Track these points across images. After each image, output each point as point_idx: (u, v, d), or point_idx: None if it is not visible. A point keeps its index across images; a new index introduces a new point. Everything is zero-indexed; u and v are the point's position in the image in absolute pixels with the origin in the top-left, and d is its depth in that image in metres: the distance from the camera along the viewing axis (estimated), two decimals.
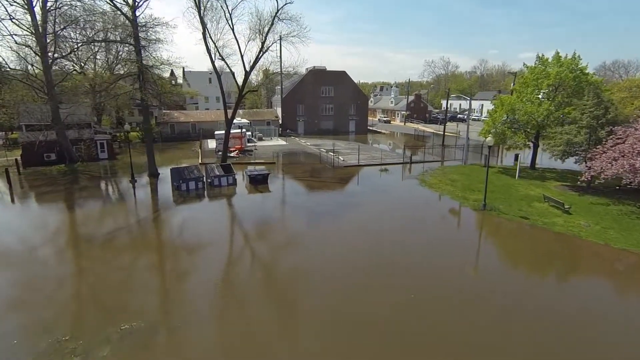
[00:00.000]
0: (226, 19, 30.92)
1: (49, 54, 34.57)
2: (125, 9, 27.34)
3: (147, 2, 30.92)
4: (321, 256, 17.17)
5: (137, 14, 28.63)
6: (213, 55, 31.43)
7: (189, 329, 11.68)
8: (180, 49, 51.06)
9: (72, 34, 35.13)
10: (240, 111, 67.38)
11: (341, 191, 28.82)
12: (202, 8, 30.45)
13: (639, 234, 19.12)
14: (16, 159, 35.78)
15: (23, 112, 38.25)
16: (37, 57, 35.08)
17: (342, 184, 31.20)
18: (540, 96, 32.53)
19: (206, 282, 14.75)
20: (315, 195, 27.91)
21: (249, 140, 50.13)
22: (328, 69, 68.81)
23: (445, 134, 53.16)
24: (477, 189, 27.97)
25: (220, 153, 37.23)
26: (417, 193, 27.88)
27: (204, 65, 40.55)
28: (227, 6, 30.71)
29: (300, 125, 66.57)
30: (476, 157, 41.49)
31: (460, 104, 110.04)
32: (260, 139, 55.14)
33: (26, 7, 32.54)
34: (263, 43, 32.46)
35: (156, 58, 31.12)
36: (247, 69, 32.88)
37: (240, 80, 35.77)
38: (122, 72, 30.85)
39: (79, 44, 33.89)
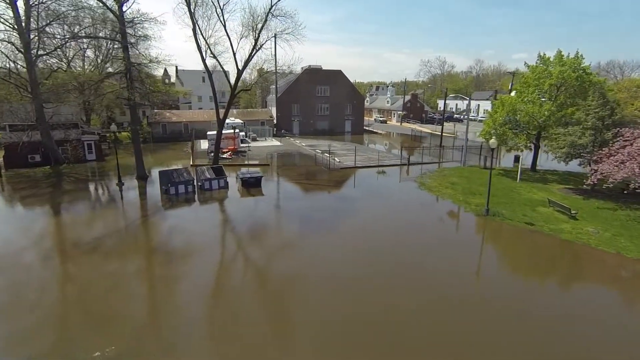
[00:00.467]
0: (217, 15, 29.70)
1: (33, 51, 33.10)
2: (111, 2, 25.98)
3: None
4: (316, 269, 16.03)
5: (124, 9, 27.31)
6: (204, 53, 30.18)
7: (179, 350, 10.51)
8: (172, 47, 50.07)
9: (59, 31, 33.61)
10: (234, 111, 66.09)
11: (337, 195, 27.70)
12: (193, 4, 29.18)
13: None
14: None
15: (6, 111, 36.74)
16: (21, 54, 33.55)
17: (338, 187, 30.09)
18: (542, 97, 31.60)
19: (193, 296, 13.56)
20: (310, 199, 26.76)
21: (242, 141, 48.85)
22: (324, 68, 67.71)
23: (443, 134, 52.26)
24: (478, 193, 27.01)
25: (212, 154, 35.98)
26: (417, 197, 26.83)
27: (198, 64, 39.76)
28: (218, 2, 29.31)
29: (295, 126, 65.38)
30: (474, 158, 40.58)
31: (456, 104, 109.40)
32: (254, 140, 53.89)
33: (8, 1, 31.06)
34: (256, 40, 31.23)
35: (144, 55, 29.77)
36: (240, 67, 31.66)
37: (232, 79, 34.54)
38: (111, 70, 29.40)
39: (65, 41, 32.35)
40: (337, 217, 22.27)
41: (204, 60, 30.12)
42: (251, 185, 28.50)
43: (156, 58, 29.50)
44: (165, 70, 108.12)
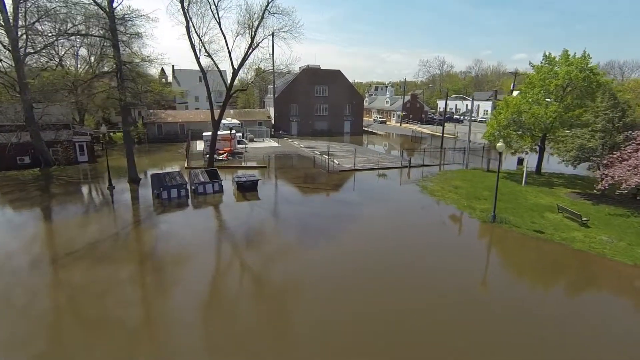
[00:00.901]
0: (212, 12, 28.57)
1: (21, 49, 31.90)
2: None
3: None
4: (314, 282, 14.96)
5: (114, 5, 26.17)
6: (198, 52, 29.06)
7: None
8: (168, 46, 48.77)
9: (49, 28, 32.39)
10: (231, 111, 64.96)
11: (337, 200, 26.60)
12: (187, 0, 28.03)
13: None
14: None
15: None
16: (8, 52, 32.35)
17: (338, 191, 29.01)
18: (548, 98, 30.58)
19: (183, 312, 12.48)
20: (308, 204, 25.63)
21: (239, 142, 47.75)
22: (322, 68, 66.62)
23: (444, 135, 51.22)
24: (483, 197, 26.02)
25: (208, 156, 34.85)
26: (419, 202, 25.78)
27: (195, 63, 38.30)
28: None
29: (293, 126, 64.28)
30: (477, 160, 39.56)
31: (456, 105, 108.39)
32: (251, 141, 52.80)
33: None
34: (252, 38, 30.12)
35: (136, 54, 28.63)
36: (236, 66, 30.55)
37: (229, 79, 33.38)
38: (106, 69, 28.22)
39: (55, 38, 31.16)
40: (336, 224, 21.16)
41: (198, 59, 29.03)
42: (247, 189, 27.42)
43: (148, 57, 28.41)
44: (163, 69, 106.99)
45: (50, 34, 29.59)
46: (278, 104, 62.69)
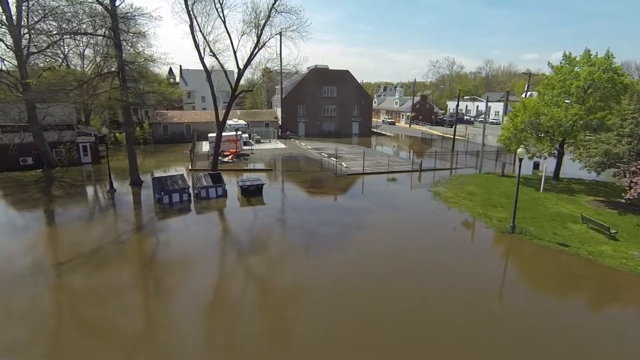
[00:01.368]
0: (217, 11, 27.60)
1: (24, 49, 31.31)
2: None
3: None
4: (322, 306, 13.82)
5: (117, 3, 25.33)
6: (202, 51, 28.14)
7: None
8: (175, 46, 47.85)
9: (52, 28, 31.69)
10: (237, 111, 64.17)
11: (344, 207, 25.30)
12: None
13: None
14: None
15: None
16: (11, 52, 31.82)
17: (346, 197, 27.81)
18: (568, 99, 29.05)
19: (179, 327, 11.44)
20: (314, 211, 24.39)
21: (245, 143, 46.86)
22: (330, 68, 65.50)
23: (455, 137, 49.68)
24: (499, 205, 24.61)
25: (212, 158, 33.91)
26: (432, 210, 24.46)
27: (208, 64, 37.74)
28: None
29: (300, 127, 63.24)
30: (489, 164, 38.03)
31: (466, 106, 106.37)
32: (257, 142, 51.84)
33: None
34: (259, 38, 29.10)
35: (139, 53, 27.77)
36: (241, 66, 29.59)
37: (234, 79, 32.44)
38: (113, 69, 27.39)
39: (59, 38, 30.48)
40: (344, 235, 19.89)
41: (202, 58, 28.14)
42: (251, 194, 26.37)
43: (151, 56, 27.48)
44: (171, 69, 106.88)
45: (52, 33, 28.79)
46: (285, 104, 61.69)
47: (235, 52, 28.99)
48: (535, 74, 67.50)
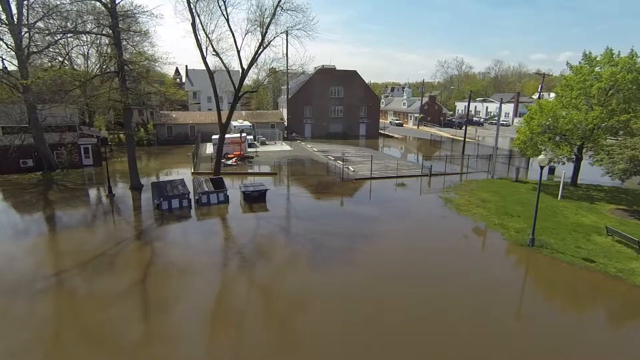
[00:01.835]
0: (219, 8, 26.56)
1: (25, 48, 30.60)
2: None
3: None
4: (327, 323, 12.65)
5: (117, 0, 24.44)
6: (205, 50, 27.11)
7: None
8: (179, 46, 46.94)
9: (52, 26, 30.94)
10: (242, 112, 63.30)
11: (351, 215, 23.99)
12: None
13: None
14: None
15: (0, 112, 34.50)
16: (12, 52, 31.15)
17: (353, 203, 26.59)
18: (588, 102, 27.55)
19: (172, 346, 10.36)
20: (320, 219, 23.08)
21: (250, 145, 45.85)
22: (338, 69, 64.31)
23: (465, 140, 48.18)
24: (516, 213, 23.25)
25: (214, 162, 32.84)
26: (444, 219, 23.13)
27: (215, 64, 36.72)
28: None
29: (307, 128, 62.13)
30: (502, 168, 36.54)
31: (475, 107, 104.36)
32: (262, 144, 50.81)
33: None
34: (263, 36, 28.02)
35: (140, 53, 26.88)
36: (245, 66, 28.51)
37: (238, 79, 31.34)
38: (112, 69, 26.60)
39: (57, 37, 29.72)
40: (351, 246, 18.66)
41: (204, 58, 27.08)
42: (254, 200, 25.30)
43: (152, 56, 26.55)
44: (177, 69, 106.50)
45: (52, 32, 28.01)
46: (291, 105, 60.62)
47: (238, 52, 27.97)
48: (549, 74, 65.67)
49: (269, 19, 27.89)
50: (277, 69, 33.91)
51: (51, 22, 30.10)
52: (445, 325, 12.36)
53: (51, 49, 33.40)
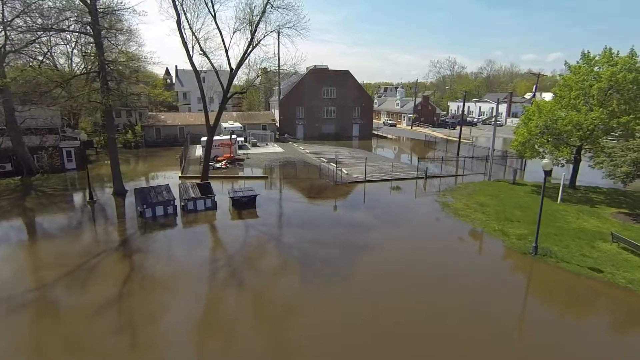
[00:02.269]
0: (206, 5, 25.33)
1: (1, 47, 29.00)
2: None
3: None
4: (319, 346, 11.57)
5: None
6: (191, 50, 25.86)
7: None
8: (167, 46, 45.46)
9: (30, 24, 29.38)
10: (233, 114, 62.07)
11: (346, 222, 22.82)
12: None
13: None
14: None
15: None
16: None
17: (347, 209, 25.54)
18: (587, 102, 26.85)
19: None
20: (312, 227, 21.90)
21: (240, 147, 44.61)
22: (330, 69, 63.31)
23: (460, 141, 47.44)
24: (515, 218, 22.38)
25: (202, 166, 31.49)
26: (443, 225, 22.21)
27: (202, 63, 35.23)
28: None
29: (299, 129, 61.02)
30: (498, 169, 35.77)
31: (468, 107, 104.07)
32: (254, 145, 49.57)
33: None
34: (253, 35, 26.83)
35: (122, 52, 25.52)
36: (233, 66, 27.32)
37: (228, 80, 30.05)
38: (93, 68, 25.24)
39: (35, 36, 28.15)
40: (345, 258, 17.50)
41: (190, 57, 25.84)
42: (244, 206, 24.13)
43: (135, 55, 25.20)
44: (167, 70, 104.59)
45: (29, 29, 26.50)
46: (283, 106, 59.49)
47: (226, 51, 26.78)
48: (543, 74, 65.37)
49: (258, 17, 26.73)
50: (268, 69, 32.71)
51: (29, 19, 28.52)
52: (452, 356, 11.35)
53: (30, 48, 31.82)
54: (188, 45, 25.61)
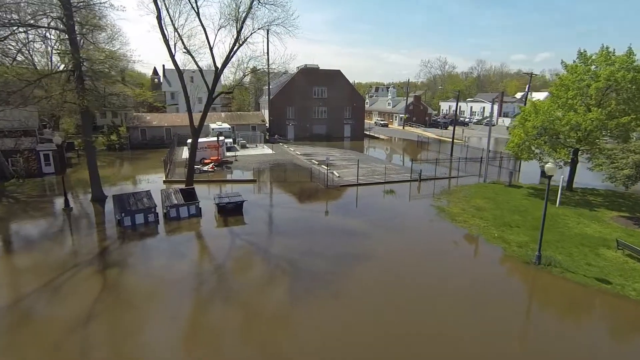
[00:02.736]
0: (189, 1, 23.93)
1: None
2: None
3: None
4: None
5: None
6: (173, 47, 24.44)
7: None
8: (152, 45, 43.65)
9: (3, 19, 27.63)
10: (222, 114, 60.55)
11: (337, 229, 21.60)
12: None
13: None
14: None
15: None
16: None
17: (339, 215, 24.38)
18: (584, 102, 26.15)
19: None
20: (302, 235, 20.64)
21: (229, 149, 43.16)
22: (321, 68, 62.13)
23: (454, 141, 46.61)
24: (515, 224, 21.49)
25: (187, 170, 30.01)
26: (440, 231, 21.19)
27: (188, 63, 33.67)
28: None
29: (290, 130, 59.74)
30: (493, 171, 34.91)
31: (460, 107, 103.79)
32: (243, 147, 48.12)
33: None
34: (239, 32, 25.52)
35: (100, 49, 24.00)
36: (219, 65, 25.97)
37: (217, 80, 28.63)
38: (69, 67, 23.70)
39: (6, 32, 26.41)
40: (337, 270, 16.30)
41: (172, 55, 24.41)
42: (230, 213, 22.82)
43: (114, 52, 23.71)
44: (155, 69, 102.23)
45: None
46: (273, 106, 58.15)
47: (211, 49, 25.39)
48: (535, 74, 65.16)
49: (244, 13, 25.40)
50: (257, 69, 31.41)
51: (2, 14, 26.76)
52: None
53: (1, 45, 30.02)
54: (170, 43, 24.23)
